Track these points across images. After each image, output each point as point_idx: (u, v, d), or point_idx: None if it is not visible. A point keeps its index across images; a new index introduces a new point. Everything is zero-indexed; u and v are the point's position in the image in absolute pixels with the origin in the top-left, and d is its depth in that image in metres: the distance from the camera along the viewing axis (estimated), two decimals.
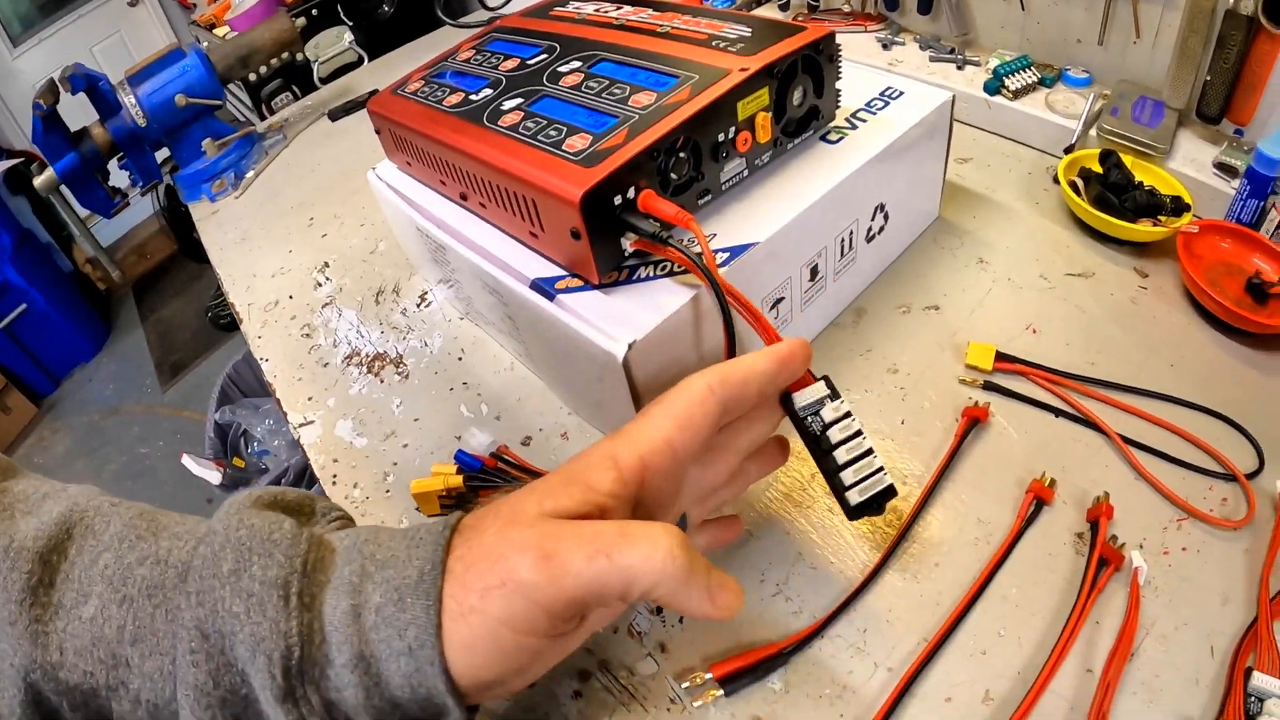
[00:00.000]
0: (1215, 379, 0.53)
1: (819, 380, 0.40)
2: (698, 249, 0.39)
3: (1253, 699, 0.39)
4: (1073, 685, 0.40)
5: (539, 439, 0.52)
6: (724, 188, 0.47)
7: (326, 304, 0.68)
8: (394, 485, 0.51)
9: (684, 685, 0.40)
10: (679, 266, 0.43)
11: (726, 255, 0.43)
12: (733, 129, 0.45)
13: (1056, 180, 0.65)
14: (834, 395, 0.40)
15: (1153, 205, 0.63)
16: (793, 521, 0.47)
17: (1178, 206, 0.63)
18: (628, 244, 0.42)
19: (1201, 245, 0.61)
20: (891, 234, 0.57)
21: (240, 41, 1.02)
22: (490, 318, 0.55)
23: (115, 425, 2.14)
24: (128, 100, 0.89)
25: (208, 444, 1.23)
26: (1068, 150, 0.68)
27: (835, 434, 0.39)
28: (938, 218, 0.64)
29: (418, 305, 0.65)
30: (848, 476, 0.39)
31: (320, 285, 0.70)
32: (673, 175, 0.43)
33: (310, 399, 0.59)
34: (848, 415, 0.39)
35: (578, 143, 0.43)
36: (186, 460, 1.13)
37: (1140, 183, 0.64)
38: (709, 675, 0.40)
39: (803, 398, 0.40)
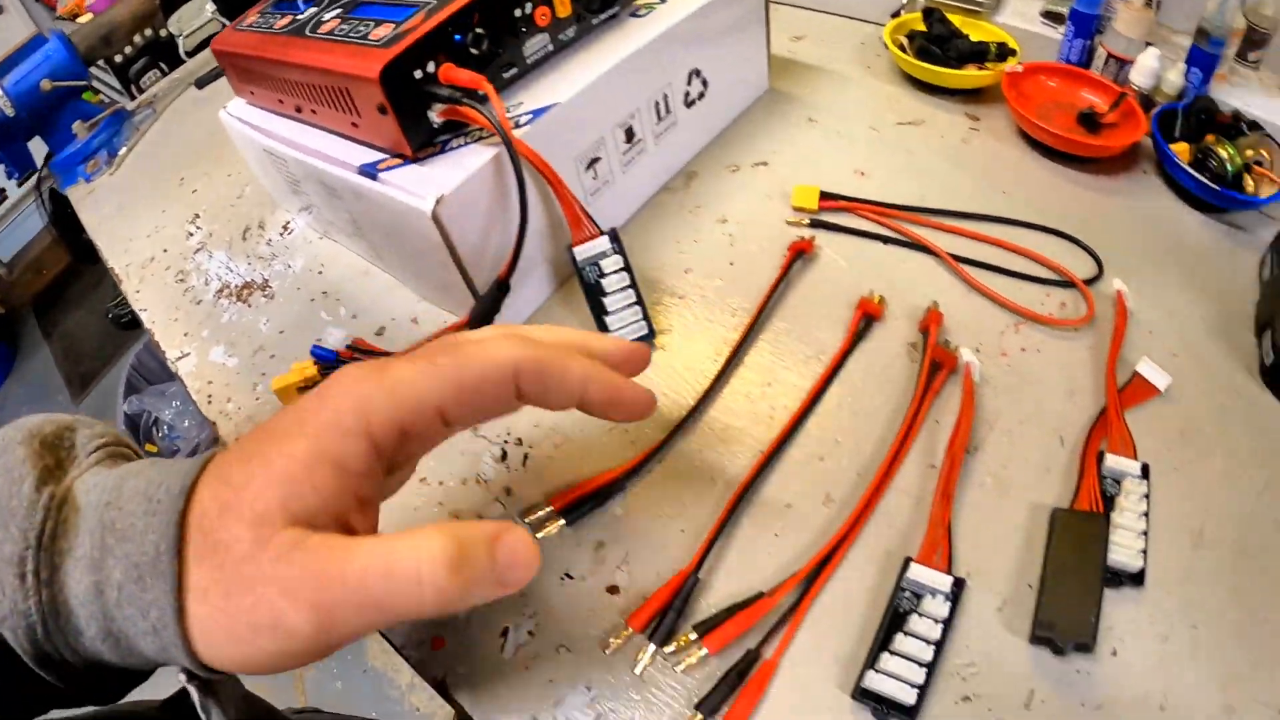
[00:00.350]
0: (1049, 202, 0.56)
1: (603, 234, 0.43)
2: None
3: (1108, 480, 0.42)
4: (916, 481, 0.42)
5: (392, 327, 0.54)
6: (529, 62, 0.49)
7: (198, 250, 0.69)
8: (263, 393, 0.53)
9: (527, 520, 0.42)
10: (486, 132, 0.45)
11: (530, 116, 0.46)
12: (529, 4, 0.47)
13: (886, 45, 0.68)
14: (615, 251, 0.43)
15: (976, 52, 0.66)
16: None
17: (1003, 52, 0.66)
18: (435, 115, 0.44)
19: (1029, 85, 0.64)
20: (715, 102, 0.60)
21: (100, 21, 1.01)
22: (339, 224, 0.57)
23: None
24: None
25: None
26: (894, 15, 0.71)
27: (609, 284, 0.45)
28: (769, 89, 0.67)
29: (281, 234, 0.66)
30: (611, 321, 0.46)
31: (192, 235, 0.71)
32: (472, 50, 0.45)
33: (186, 334, 0.61)
34: (621, 270, 0.45)
35: (382, 31, 0.45)
36: None
37: (965, 34, 0.67)
38: (549, 508, 0.42)
39: (584, 250, 0.44)
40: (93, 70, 1.03)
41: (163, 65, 1.08)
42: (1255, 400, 0.46)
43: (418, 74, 0.43)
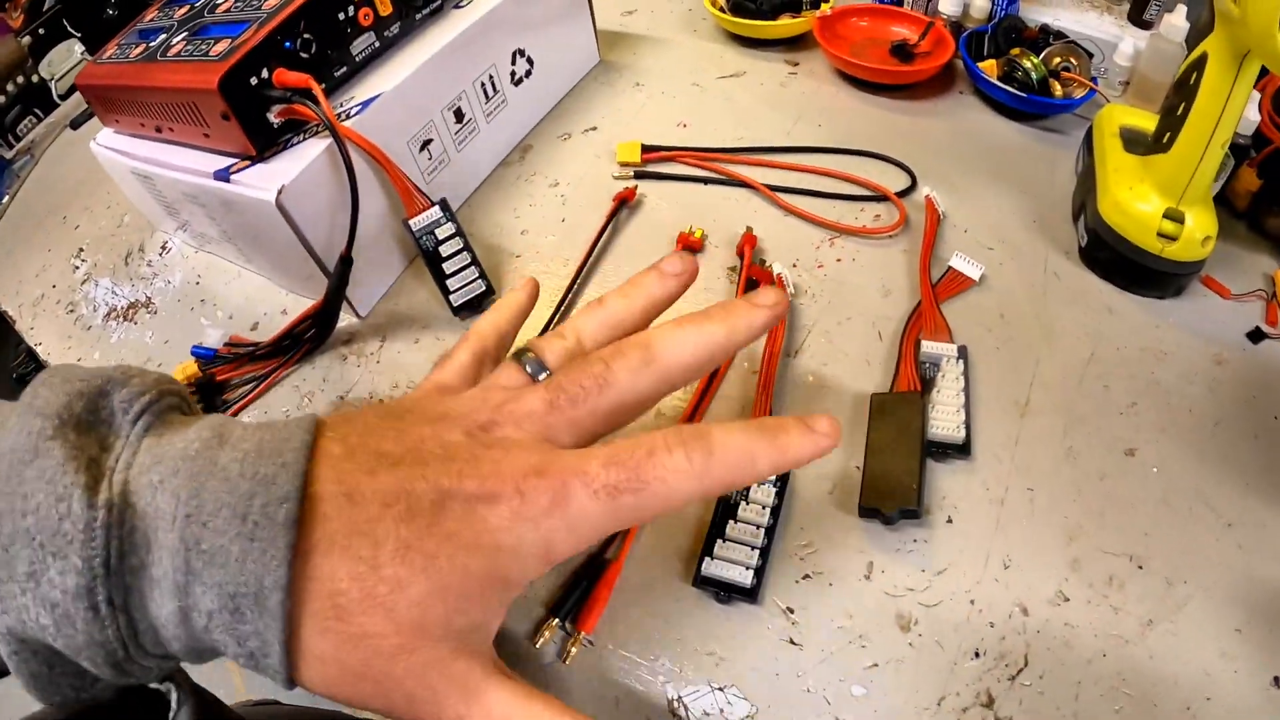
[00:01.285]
0: (867, 130, 0.61)
1: (435, 205, 0.50)
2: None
3: (926, 364, 0.46)
4: (740, 386, 0.46)
5: (264, 321, 0.58)
6: (358, 60, 0.53)
7: (85, 280, 0.72)
8: None
9: None
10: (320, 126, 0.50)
11: (359, 107, 0.50)
12: (351, 6, 0.52)
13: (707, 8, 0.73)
14: (447, 219, 0.50)
15: (790, 2, 0.70)
16: (466, 315, 0.53)
17: (817, 1, 0.72)
18: (274, 117, 0.49)
19: (842, 27, 0.69)
20: (544, 78, 0.65)
21: None
22: (209, 234, 0.61)
23: None
24: None
25: None
26: None
27: (445, 249, 0.51)
28: (600, 61, 0.72)
29: (160, 254, 0.69)
30: (452, 283, 0.52)
31: (77, 268, 0.74)
32: (303, 55, 0.49)
33: (79, 359, 0.64)
34: (454, 235, 0.51)
35: (220, 47, 0.49)
36: None
37: None
38: None
39: (418, 221, 0.51)
40: None
41: (37, 111, 1.09)
42: (1075, 278, 0.51)
43: (253, 81, 0.47)
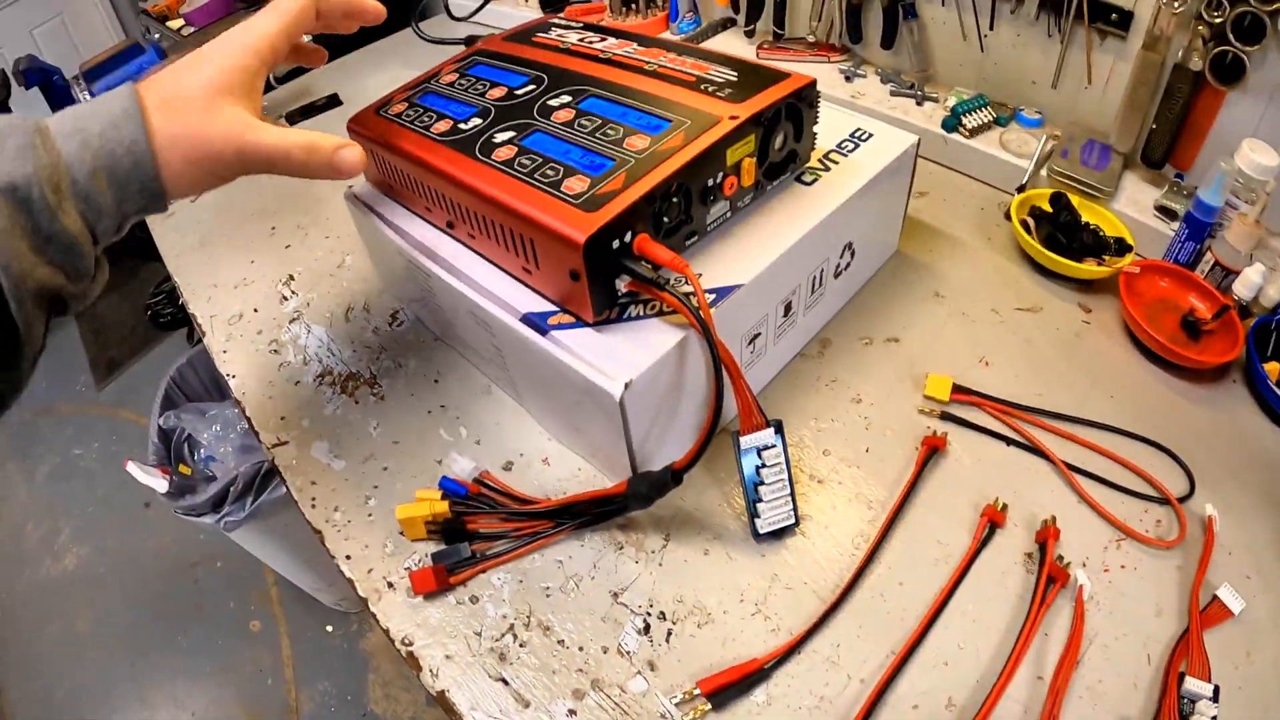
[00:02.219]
0: (1151, 409, 0.57)
1: (769, 426, 0.45)
2: (687, 289, 0.41)
3: (1185, 700, 0.43)
4: (1026, 691, 0.43)
5: (520, 463, 0.53)
6: (709, 229, 0.48)
7: (294, 319, 0.67)
8: (376, 509, 0.52)
9: (674, 700, 0.42)
10: (668, 307, 0.45)
11: (713, 297, 0.45)
12: (721, 174, 0.47)
13: (1008, 217, 0.69)
14: (779, 442, 0.45)
15: (1098, 245, 0.67)
16: (767, 543, 0.49)
17: (1120, 247, 0.67)
18: (621, 285, 0.44)
19: (1142, 284, 0.65)
20: (856, 269, 0.60)
21: (203, 39, 1.00)
22: (471, 344, 0.56)
23: (48, 425, 2.04)
24: (83, 97, 0.86)
25: (151, 450, 1.19)
26: (1020, 189, 0.72)
27: (767, 475, 0.46)
28: (896, 251, 0.67)
29: (389, 324, 0.65)
30: (762, 509, 0.47)
31: (286, 299, 0.69)
32: (665, 219, 0.45)
33: (283, 418, 0.59)
34: (781, 462, 0.46)
35: (576, 184, 0.44)
36: (132, 467, 1.09)
37: (1087, 223, 0.68)
38: (698, 691, 0.42)
39: (750, 440, 0.45)
40: None
41: None
42: None
43: (615, 243, 0.42)
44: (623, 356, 0.42)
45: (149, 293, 2.22)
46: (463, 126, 0.53)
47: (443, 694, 0.44)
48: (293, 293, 0.70)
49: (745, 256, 0.48)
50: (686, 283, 0.44)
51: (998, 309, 0.64)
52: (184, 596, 1.59)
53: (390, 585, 0.48)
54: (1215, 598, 0.47)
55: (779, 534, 0.49)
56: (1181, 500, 0.52)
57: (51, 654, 1.54)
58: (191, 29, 1.71)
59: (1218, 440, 0.56)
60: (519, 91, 0.55)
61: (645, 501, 0.45)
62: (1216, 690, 0.43)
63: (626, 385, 0.41)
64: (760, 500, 0.46)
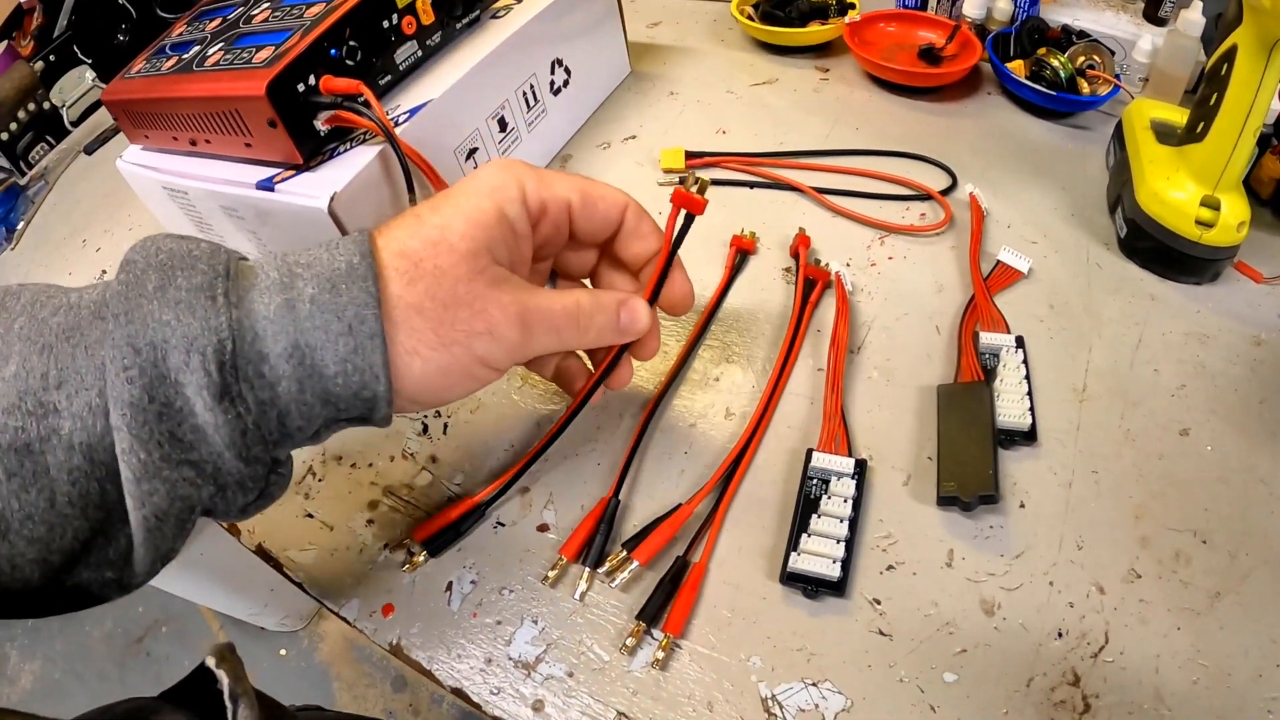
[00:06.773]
0: (901, 132, 0.62)
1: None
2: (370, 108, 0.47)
3: (986, 355, 0.46)
4: (808, 384, 0.47)
5: None
6: (401, 69, 0.53)
7: None
8: None
9: (456, 482, 0.45)
10: (372, 135, 0.50)
11: (406, 115, 0.50)
12: (395, 15, 0.52)
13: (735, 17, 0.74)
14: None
15: (818, 9, 0.71)
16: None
17: (843, 7, 0.72)
18: (321, 124, 0.49)
19: (870, 33, 0.70)
20: (581, 88, 0.66)
21: None
22: (244, 251, 0.61)
23: None
24: None
25: None
26: None
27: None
28: (631, 72, 0.73)
29: None
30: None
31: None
32: (348, 62, 0.50)
33: None
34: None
35: (263, 55, 0.48)
36: None
37: None
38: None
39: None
40: None
41: (49, 138, 1.09)
42: (1116, 268, 0.52)
43: (301, 87, 0.47)
44: (330, 180, 0.47)
45: None
46: (185, 57, 0.57)
47: (260, 546, 0.45)
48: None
49: (436, 82, 0.53)
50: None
51: (733, 90, 0.69)
52: (142, 671, 1.56)
53: None
54: (999, 262, 0.52)
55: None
56: (944, 193, 0.56)
57: None
58: None
59: (977, 141, 0.61)
60: (231, 16, 0.59)
61: None
62: (1020, 339, 0.47)
63: (332, 198, 0.46)
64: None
